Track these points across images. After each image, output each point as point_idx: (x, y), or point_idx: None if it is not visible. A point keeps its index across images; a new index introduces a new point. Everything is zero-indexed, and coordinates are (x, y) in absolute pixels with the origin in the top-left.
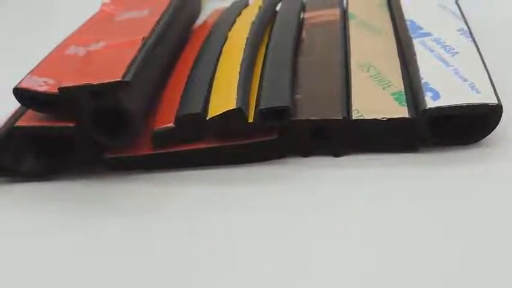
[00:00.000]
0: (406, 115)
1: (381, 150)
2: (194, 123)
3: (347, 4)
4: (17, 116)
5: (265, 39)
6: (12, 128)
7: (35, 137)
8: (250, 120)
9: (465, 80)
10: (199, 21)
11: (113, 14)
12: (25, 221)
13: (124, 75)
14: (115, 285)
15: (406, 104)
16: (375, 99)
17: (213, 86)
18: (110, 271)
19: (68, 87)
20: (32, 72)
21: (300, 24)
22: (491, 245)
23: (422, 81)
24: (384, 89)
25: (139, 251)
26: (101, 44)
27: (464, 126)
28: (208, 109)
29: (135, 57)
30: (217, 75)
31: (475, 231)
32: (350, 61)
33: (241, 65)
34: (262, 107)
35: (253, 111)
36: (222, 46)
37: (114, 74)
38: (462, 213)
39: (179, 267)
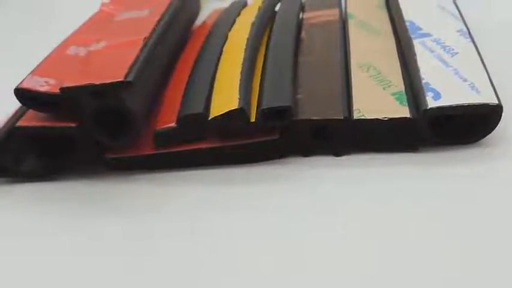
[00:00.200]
0: (408, 115)
1: (381, 149)
2: (196, 123)
3: (345, 5)
4: (17, 116)
5: (265, 39)
6: (13, 128)
7: (36, 137)
8: (252, 120)
9: (465, 80)
10: (198, 22)
11: (112, 14)
12: (26, 221)
13: (126, 75)
14: (116, 286)
15: (407, 104)
16: (376, 99)
17: (215, 86)
18: (111, 271)
19: (70, 87)
20: (33, 73)
21: (299, 25)
22: (491, 245)
23: (423, 81)
24: (384, 89)
25: (140, 251)
26: (102, 44)
27: (464, 126)
28: (210, 109)
29: (137, 57)
30: (218, 75)
31: (476, 231)
32: (350, 61)
33: (242, 65)
34: (264, 107)
35: (254, 111)
36: (223, 46)
37: (116, 74)
38: (462, 212)
39: (180, 268)
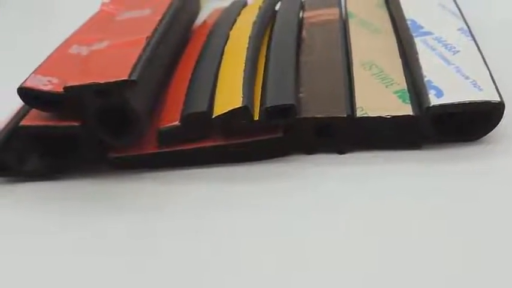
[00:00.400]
0: (410, 113)
1: (384, 147)
2: (199, 122)
3: (345, 4)
4: (20, 115)
5: (266, 38)
6: (16, 128)
7: (39, 136)
8: (256, 118)
9: (467, 78)
10: (198, 21)
11: (113, 13)
12: (29, 220)
13: (130, 74)
14: (120, 284)
15: (409, 102)
16: (379, 97)
17: (218, 84)
18: (114, 270)
19: (74, 86)
20: (35, 72)
21: (300, 24)
22: (493, 242)
23: (425, 79)
24: (386, 87)
25: (144, 249)
26: (105, 44)
27: (466, 124)
28: (213, 107)
29: (140, 56)
30: (221, 74)
31: (478, 228)
32: (352, 60)
33: (245, 63)
34: (268, 105)
35: (258, 110)
36: (224, 45)
37: (120, 73)
38: (465, 210)
39: (184, 266)
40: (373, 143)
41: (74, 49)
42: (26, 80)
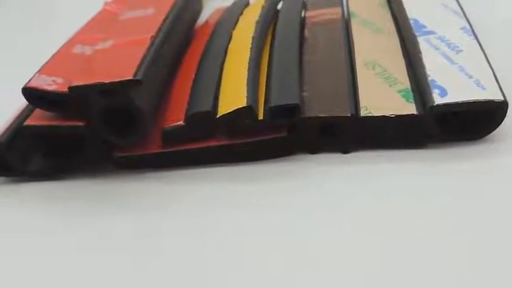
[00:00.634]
0: (415, 112)
1: (388, 146)
2: (204, 121)
3: (347, 3)
4: (23, 115)
5: (269, 38)
6: (21, 127)
7: (43, 136)
8: (260, 117)
9: (471, 77)
10: (200, 20)
11: (116, 13)
12: (33, 220)
13: (135, 74)
14: (124, 284)
15: (413, 101)
16: (382, 96)
17: (222, 84)
18: (119, 269)
19: (78, 86)
20: (40, 71)
21: (302, 23)
22: (497, 241)
23: (429, 78)
24: (390, 86)
25: (148, 249)
26: (109, 43)
27: (470, 123)
28: (217, 107)
29: (145, 56)
30: (224, 73)
31: (482, 227)
32: (355, 59)
33: (249, 63)
34: (272, 105)
35: (262, 109)
36: (227, 45)
37: (125, 72)
38: (469, 208)
39: (188, 265)
40: (377, 142)
41: (77, 49)
42: (30, 79)
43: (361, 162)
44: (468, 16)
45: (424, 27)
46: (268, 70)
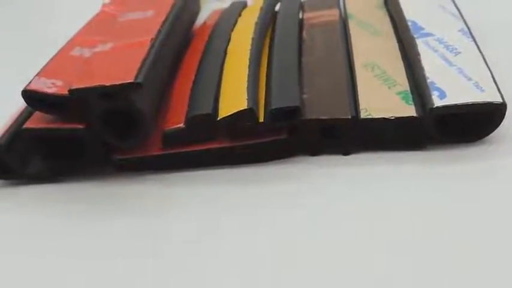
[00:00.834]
0: (414, 114)
1: (388, 148)
2: (205, 124)
3: (344, 5)
4: (22, 117)
5: (267, 39)
6: (20, 130)
7: (43, 138)
8: (261, 120)
9: (469, 79)
10: (198, 22)
11: (114, 15)
12: (33, 223)
13: (136, 77)
14: (122, 286)
15: (413, 103)
16: (382, 98)
17: (222, 86)
18: (117, 272)
19: (79, 89)
20: (39, 74)
21: (300, 25)
22: (497, 242)
23: (428, 80)
24: (389, 88)
25: (148, 252)
26: (108, 46)
27: (468, 124)
28: (218, 109)
29: (145, 59)
30: (224, 75)
31: (482, 229)
32: (353, 61)
33: (249, 65)
34: (273, 107)
35: (262, 111)
36: (227, 46)
37: (126, 75)
38: (469, 210)
39: (187, 268)
40: (377, 144)
41: (76, 51)
42: (30, 82)
43: (361, 164)
44: (465, 18)
45: (422, 29)
46: (267, 72)
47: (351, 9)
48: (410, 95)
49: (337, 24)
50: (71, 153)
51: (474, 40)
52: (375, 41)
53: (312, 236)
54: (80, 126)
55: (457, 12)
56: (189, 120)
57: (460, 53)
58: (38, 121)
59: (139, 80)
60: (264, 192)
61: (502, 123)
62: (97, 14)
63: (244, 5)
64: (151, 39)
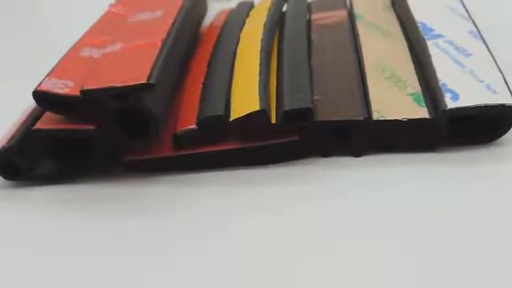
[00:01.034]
0: (427, 116)
1: (399, 149)
2: (217, 125)
3: (351, 6)
4: (30, 119)
5: (276, 40)
6: (32, 131)
7: (54, 139)
8: (273, 121)
9: (481, 81)
10: (205, 23)
11: (123, 15)
12: (42, 224)
13: (149, 78)
14: (134, 285)
15: (425, 105)
16: (393, 100)
17: (233, 87)
18: (129, 271)
19: (91, 89)
20: (50, 75)
21: (308, 26)
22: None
23: (440, 82)
24: (400, 89)
25: (158, 251)
26: (118, 46)
27: (479, 126)
28: (230, 111)
29: (157, 59)
30: (235, 76)
31: (496, 231)
32: (363, 62)
33: (260, 66)
34: (286, 109)
35: (274, 113)
36: (236, 47)
37: (138, 76)
38: (482, 212)
39: (197, 269)
40: (388, 145)
41: (85, 52)
42: (40, 83)
43: (372, 166)
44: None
45: (432, 30)
46: (278, 73)
47: (358, 10)
48: (421, 97)
49: (346, 25)
50: (81, 154)
51: (484, 42)
52: (384, 43)
53: (323, 237)
54: (91, 127)
55: (465, 14)
56: (201, 122)
57: (471, 54)
58: (49, 122)
59: (152, 81)
60: (276, 193)
61: None
62: (104, 14)
63: (251, 6)
64: (162, 40)
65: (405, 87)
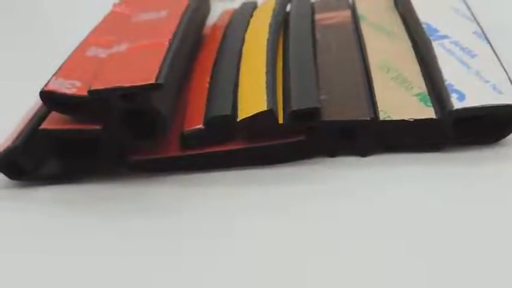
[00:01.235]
0: (433, 116)
1: (406, 149)
2: (224, 125)
3: (354, 6)
4: (35, 118)
5: (281, 41)
6: (38, 131)
7: (61, 139)
8: (280, 121)
9: (487, 82)
10: (208, 23)
11: (127, 14)
12: (49, 223)
13: (157, 78)
14: (141, 284)
15: (431, 105)
16: (399, 100)
17: (239, 87)
18: (135, 270)
19: (99, 90)
20: (56, 75)
21: (312, 26)
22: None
23: (446, 82)
24: (406, 90)
25: (165, 251)
26: (124, 46)
27: (485, 126)
28: (237, 110)
29: (165, 59)
30: (241, 76)
31: (503, 231)
32: (368, 62)
33: (266, 66)
34: (294, 109)
35: (281, 113)
36: (241, 47)
37: (146, 76)
38: (488, 212)
39: (203, 268)
40: (394, 145)
41: (91, 51)
42: (47, 83)
43: (379, 166)
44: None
45: (437, 31)
46: (284, 72)
47: (361, 10)
48: (428, 97)
49: (350, 25)
50: (86, 154)
51: (489, 42)
52: (388, 43)
53: (329, 237)
54: (98, 127)
55: (469, 14)
56: (208, 121)
57: (476, 55)
58: (55, 122)
59: (160, 81)
60: (283, 193)
61: None
62: (108, 14)
63: (255, 6)
64: (169, 39)
65: (411, 87)
